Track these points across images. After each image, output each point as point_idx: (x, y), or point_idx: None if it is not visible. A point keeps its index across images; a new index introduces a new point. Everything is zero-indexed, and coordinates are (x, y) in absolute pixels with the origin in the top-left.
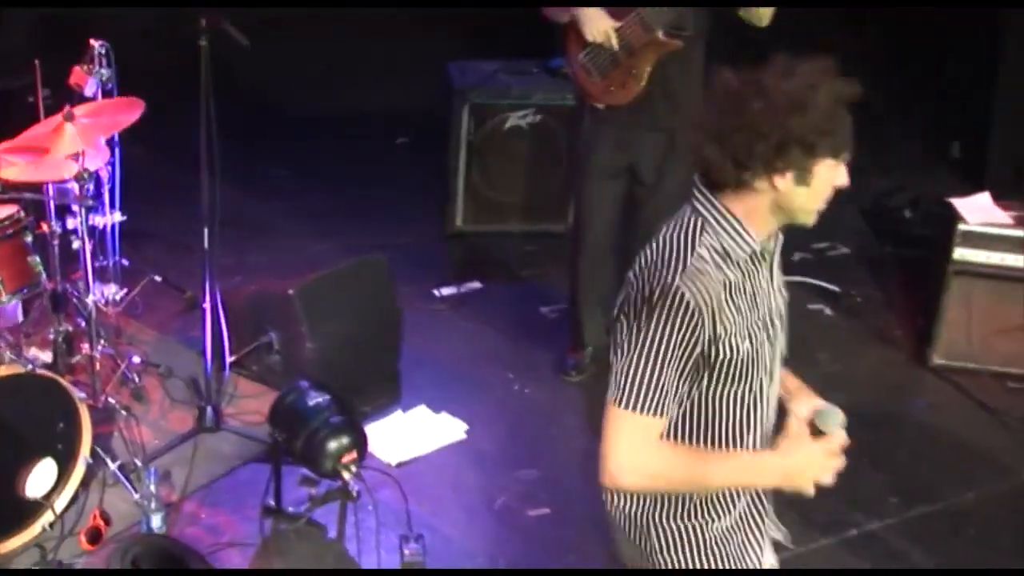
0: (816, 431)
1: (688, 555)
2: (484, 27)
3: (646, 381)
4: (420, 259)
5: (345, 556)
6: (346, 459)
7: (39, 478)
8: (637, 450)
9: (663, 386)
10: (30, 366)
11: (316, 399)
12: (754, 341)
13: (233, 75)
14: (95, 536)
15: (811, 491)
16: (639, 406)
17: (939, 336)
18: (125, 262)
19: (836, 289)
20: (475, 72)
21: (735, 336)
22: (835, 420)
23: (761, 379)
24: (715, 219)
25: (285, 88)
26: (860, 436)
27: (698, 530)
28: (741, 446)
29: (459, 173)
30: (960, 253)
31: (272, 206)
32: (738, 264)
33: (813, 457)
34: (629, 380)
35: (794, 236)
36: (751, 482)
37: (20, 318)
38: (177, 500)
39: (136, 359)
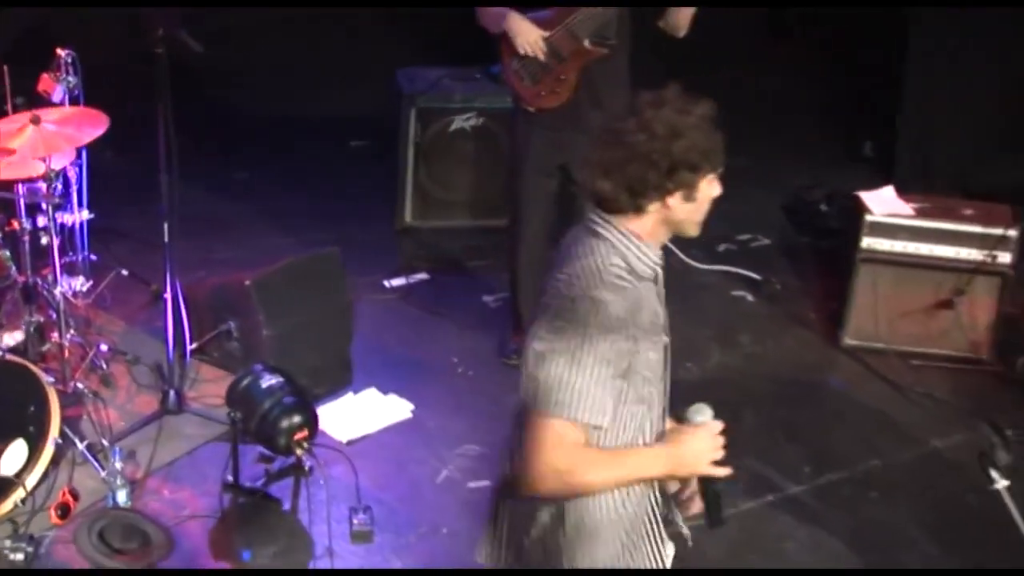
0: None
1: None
2: (431, 35)
3: (578, 389)
4: (372, 253)
5: (298, 528)
6: (298, 436)
7: (11, 457)
8: (566, 455)
9: (593, 394)
10: (1, 353)
11: (270, 381)
12: (656, 354)
13: (197, 81)
14: (64, 511)
15: (707, 471)
16: (570, 413)
17: (849, 319)
18: (93, 257)
19: (757, 277)
20: (422, 78)
21: (648, 350)
22: (705, 412)
23: (654, 393)
24: (618, 240)
25: (245, 94)
26: (778, 411)
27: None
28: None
29: (408, 172)
30: (867, 242)
31: (236, 206)
32: (642, 279)
33: (701, 442)
34: (561, 389)
35: (719, 228)
36: (653, 473)
37: None
38: (142, 477)
39: (104, 347)
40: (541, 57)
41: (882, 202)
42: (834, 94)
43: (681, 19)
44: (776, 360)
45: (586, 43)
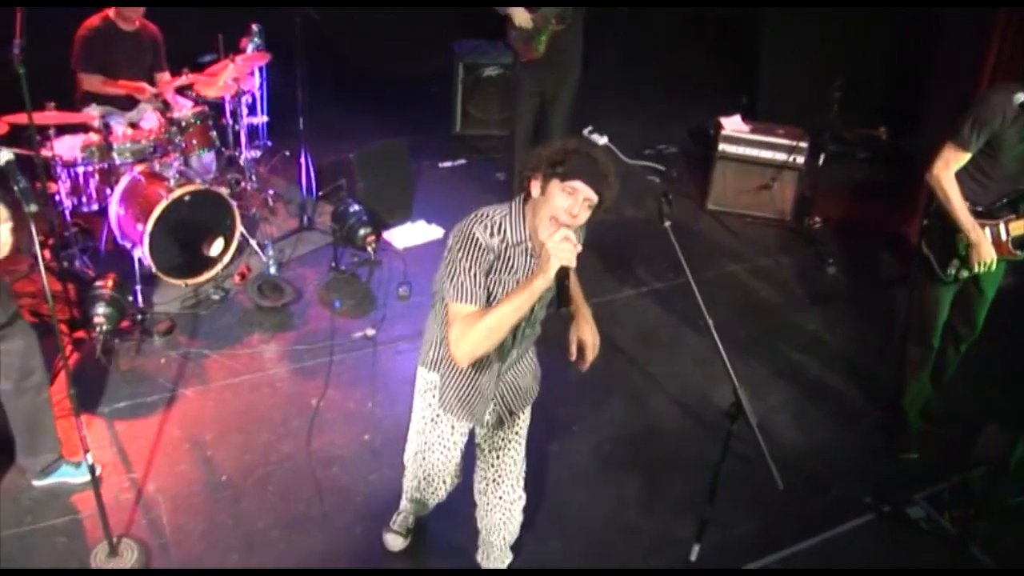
0: None
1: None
2: (474, 21)
3: (465, 285)
4: (435, 148)
5: (369, 291)
6: (370, 240)
7: (215, 246)
8: (465, 324)
9: (474, 288)
10: (208, 184)
11: (354, 207)
12: (499, 292)
13: (325, 42)
14: (242, 276)
15: (562, 262)
16: (462, 300)
17: (711, 193)
18: (269, 143)
19: (662, 168)
20: (467, 46)
21: (496, 285)
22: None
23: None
24: (515, 208)
25: (356, 53)
26: (657, 243)
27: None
28: None
29: (457, 102)
30: (721, 147)
31: (349, 118)
32: (505, 242)
33: (553, 242)
34: (455, 285)
35: (646, 141)
36: (531, 290)
37: (213, 167)
38: (286, 262)
39: (271, 192)
40: (528, 28)
41: (732, 124)
42: (724, 63)
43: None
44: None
45: (553, 21)
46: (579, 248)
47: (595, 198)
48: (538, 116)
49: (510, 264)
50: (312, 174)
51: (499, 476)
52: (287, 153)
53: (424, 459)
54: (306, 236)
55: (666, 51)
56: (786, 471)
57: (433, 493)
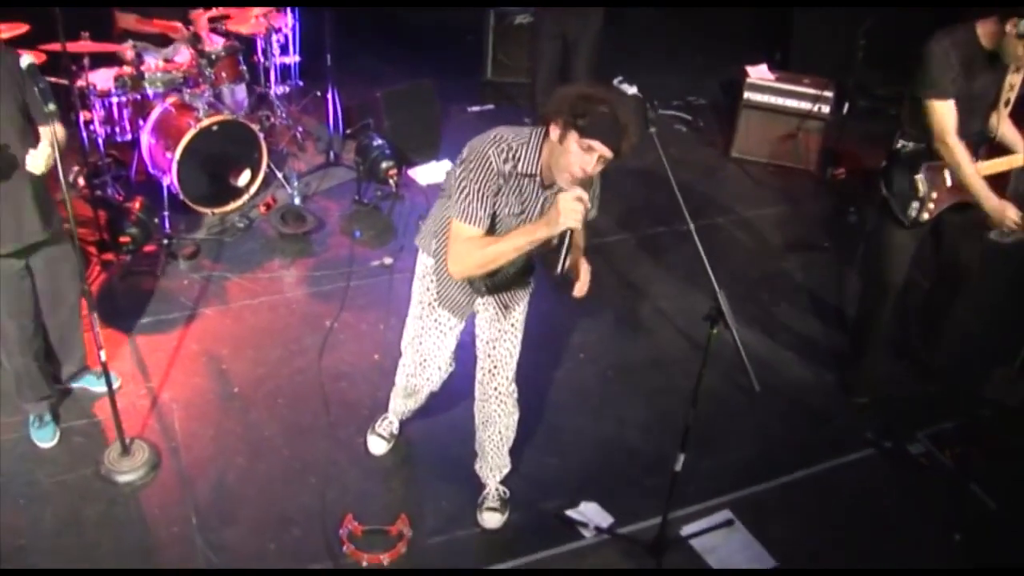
0: None
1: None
2: None
3: (473, 206)
4: (466, 93)
5: (390, 222)
6: (391, 173)
7: (243, 177)
8: (465, 247)
9: (480, 210)
10: (237, 117)
11: (377, 142)
12: (506, 217)
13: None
14: (268, 207)
15: (570, 224)
16: (468, 221)
17: (735, 141)
18: (300, 83)
19: (689, 118)
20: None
21: (502, 205)
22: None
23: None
24: (533, 139)
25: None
26: (683, 182)
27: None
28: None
29: (489, 48)
30: (746, 95)
31: (383, 66)
32: (517, 171)
33: (567, 202)
34: (463, 205)
35: (676, 92)
36: (534, 237)
37: (245, 103)
38: (311, 195)
39: (300, 128)
40: None
41: (758, 72)
42: (763, 20)
43: None
44: (692, 164)
45: None
46: (591, 210)
47: (611, 155)
48: (561, 61)
49: (519, 189)
50: (340, 112)
51: (495, 367)
52: (318, 93)
53: (421, 344)
54: (332, 171)
55: (704, 5)
56: (790, 405)
57: (428, 379)
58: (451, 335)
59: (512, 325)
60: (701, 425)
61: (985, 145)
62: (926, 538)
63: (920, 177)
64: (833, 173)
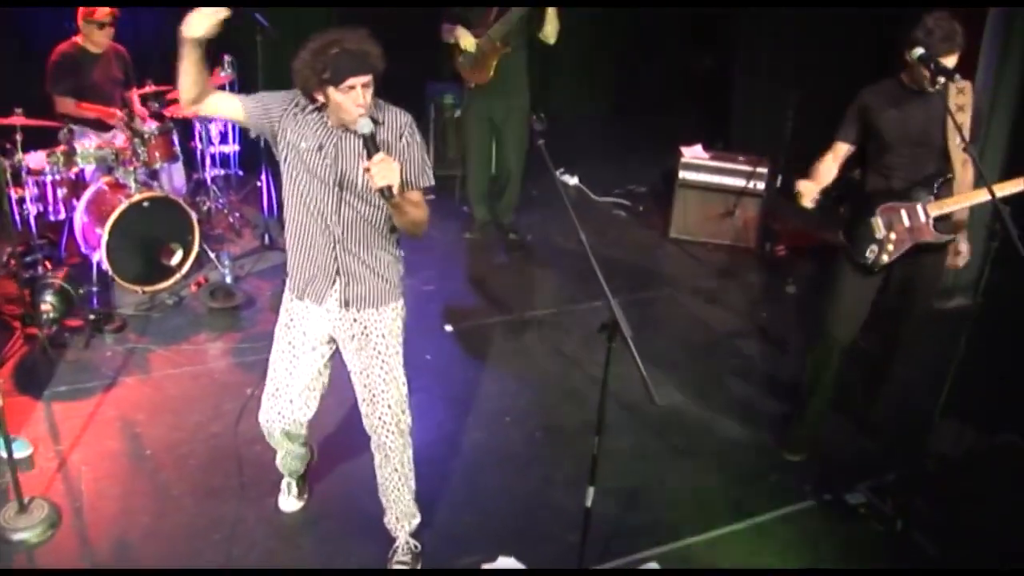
0: None
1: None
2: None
3: (252, 96)
4: None
5: None
6: None
7: (175, 257)
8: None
9: (249, 98)
10: (170, 195)
11: None
12: (306, 151)
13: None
14: (199, 285)
15: (392, 180)
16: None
17: (673, 221)
18: (240, 172)
19: (628, 203)
20: (436, 88)
21: (299, 138)
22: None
23: (314, 182)
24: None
25: None
26: (623, 264)
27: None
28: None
29: (431, 138)
30: (682, 175)
31: None
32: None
33: (376, 166)
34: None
35: (618, 181)
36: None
37: (183, 189)
38: (244, 276)
39: (237, 214)
40: (473, 51)
41: (692, 152)
42: (709, 114)
43: (549, 30)
44: (631, 244)
45: (498, 44)
46: (396, 167)
47: (369, 77)
48: (490, 147)
49: (311, 124)
50: (273, 196)
51: (373, 396)
52: (259, 183)
53: (274, 372)
54: (266, 254)
55: (649, 105)
56: (726, 463)
57: (278, 414)
58: (304, 360)
59: (375, 348)
60: (631, 481)
61: (947, 186)
62: None
63: (876, 220)
64: (773, 249)
